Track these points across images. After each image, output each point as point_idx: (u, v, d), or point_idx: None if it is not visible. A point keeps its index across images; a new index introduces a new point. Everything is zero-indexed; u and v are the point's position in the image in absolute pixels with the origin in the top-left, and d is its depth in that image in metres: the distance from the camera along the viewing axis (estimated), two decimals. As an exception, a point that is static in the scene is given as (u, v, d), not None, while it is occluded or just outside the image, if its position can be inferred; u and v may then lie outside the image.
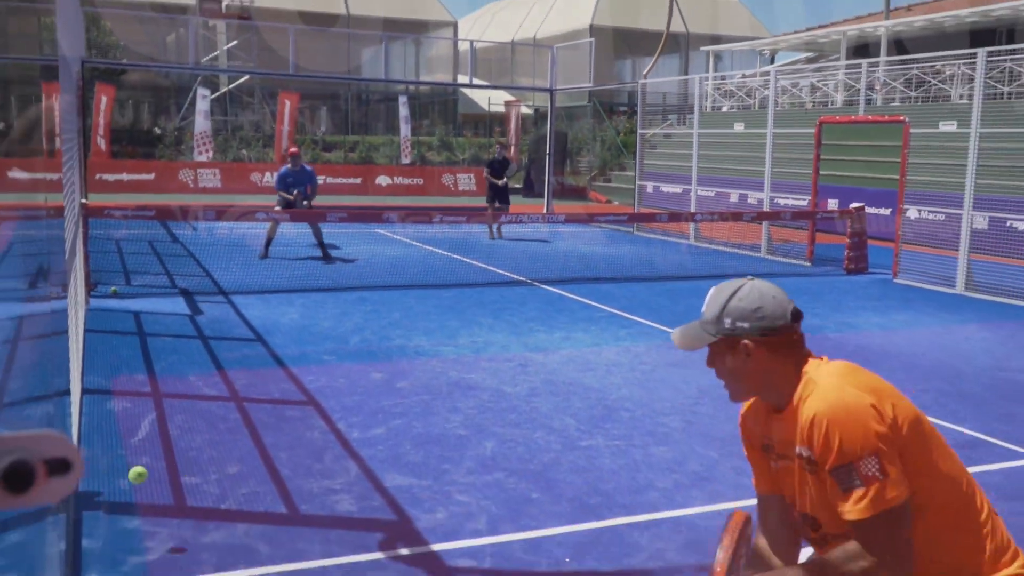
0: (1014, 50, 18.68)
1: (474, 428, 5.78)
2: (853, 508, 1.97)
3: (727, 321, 2.15)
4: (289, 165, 13.16)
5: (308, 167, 13.22)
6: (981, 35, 24.06)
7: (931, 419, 6.14)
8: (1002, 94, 18.75)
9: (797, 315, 2.14)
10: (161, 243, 14.78)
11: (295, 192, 13.01)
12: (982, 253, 12.00)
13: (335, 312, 9.53)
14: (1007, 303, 11.04)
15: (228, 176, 26.29)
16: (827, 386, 2.04)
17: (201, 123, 25.95)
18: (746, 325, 2.14)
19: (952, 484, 2.05)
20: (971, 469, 5.23)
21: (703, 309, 2.23)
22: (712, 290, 2.24)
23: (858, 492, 1.96)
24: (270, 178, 26.24)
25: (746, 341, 2.14)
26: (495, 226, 16.78)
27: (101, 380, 6.58)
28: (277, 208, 12.93)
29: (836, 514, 2.04)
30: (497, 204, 16.47)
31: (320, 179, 26.76)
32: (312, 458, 5.14)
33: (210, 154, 25.81)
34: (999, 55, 18.65)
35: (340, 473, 4.93)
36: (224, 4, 33.19)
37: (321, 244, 13.34)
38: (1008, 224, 12.60)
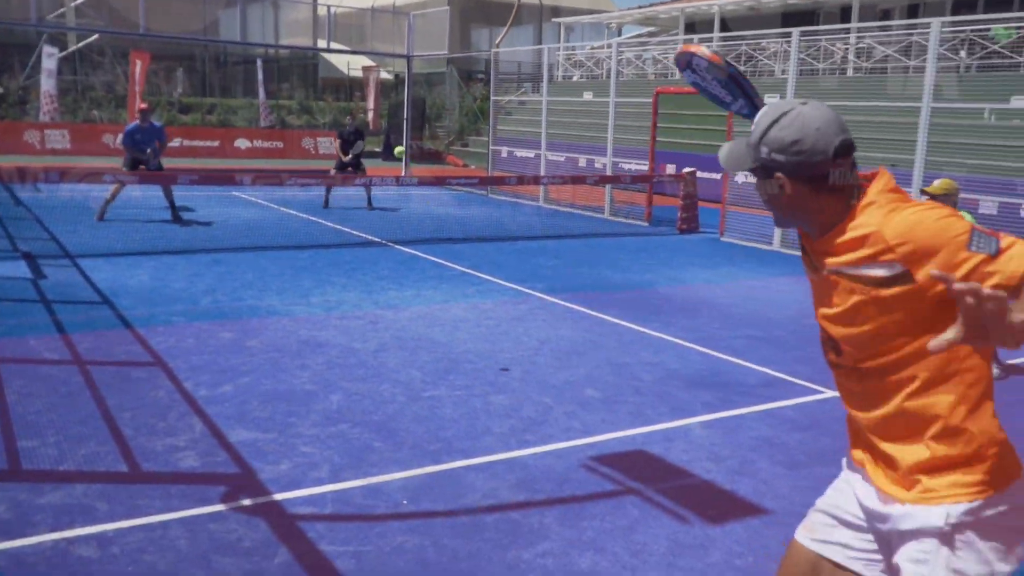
0: (828, 30, 19.68)
1: (322, 383, 5.75)
2: (1011, 262, 1.67)
3: (764, 150, 1.94)
4: (138, 121, 12.68)
5: (157, 123, 12.80)
6: (801, 16, 25.24)
7: (742, 362, 6.58)
8: (816, 71, 19.77)
9: (843, 149, 1.88)
10: (2, 206, 13.82)
11: (148, 151, 12.53)
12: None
13: (187, 274, 9.21)
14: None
15: (78, 137, 24.74)
16: (897, 206, 1.84)
17: (46, 82, 24.20)
18: (781, 158, 1.91)
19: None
20: (769, 405, 5.61)
21: (751, 127, 2.03)
22: (763, 109, 2.01)
23: (1004, 242, 1.71)
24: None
25: (780, 174, 1.92)
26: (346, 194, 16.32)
27: (-67, 345, 6.16)
28: (124, 168, 12.43)
29: (861, 346, 1.89)
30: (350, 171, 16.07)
31: (176, 141, 25.75)
32: (156, 417, 5.00)
33: (54, 115, 24.16)
34: (815, 35, 19.61)
35: (184, 431, 4.82)
36: (70, -41, 30.96)
37: (172, 206, 12.82)
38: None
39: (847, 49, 19.63)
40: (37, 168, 10.08)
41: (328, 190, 15.27)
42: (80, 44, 31.12)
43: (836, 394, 4.40)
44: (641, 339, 7.26)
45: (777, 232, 12.34)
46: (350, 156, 15.07)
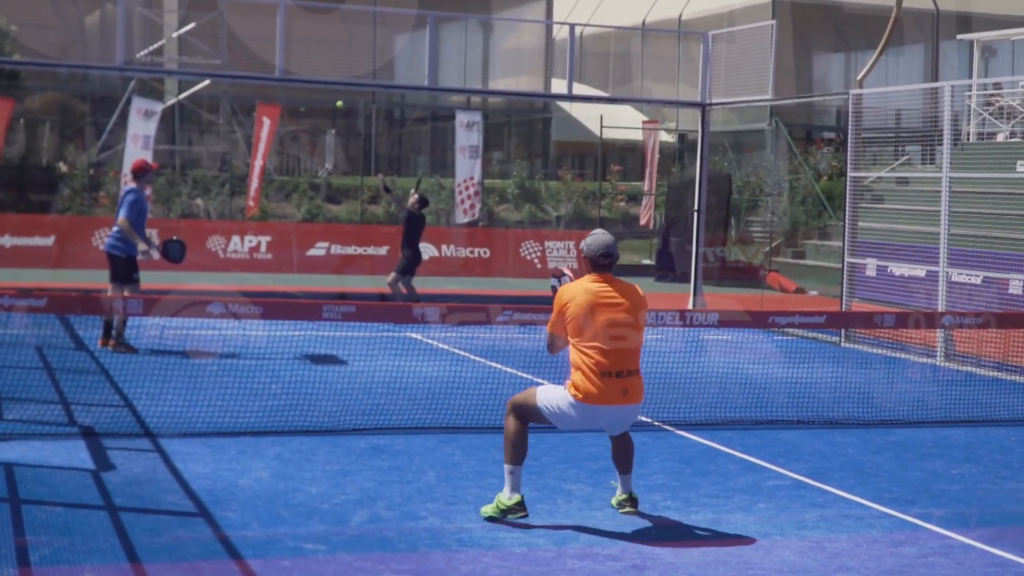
0: None
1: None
2: None
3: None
4: (135, 184, 14.83)
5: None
6: None
7: None
8: None
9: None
10: (56, 351, 15.17)
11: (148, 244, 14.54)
12: None
13: (330, 470, 9.60)
14: None
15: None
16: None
17: (136, 154, 26.61)
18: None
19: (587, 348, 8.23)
20: None
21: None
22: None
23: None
24: (238, 244, 26.82)
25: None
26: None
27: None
28: (117, 281, 14.41)
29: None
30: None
31: (322, 247, 27.51)
32: None
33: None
34: None
35: None
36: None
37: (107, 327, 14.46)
38: None
39: None
40: (115, 293, 11.05)
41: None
42: (182, 95, 34.18)
43: None
44: None
45: None
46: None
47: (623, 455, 8.71)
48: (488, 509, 8.32)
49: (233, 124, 34.44)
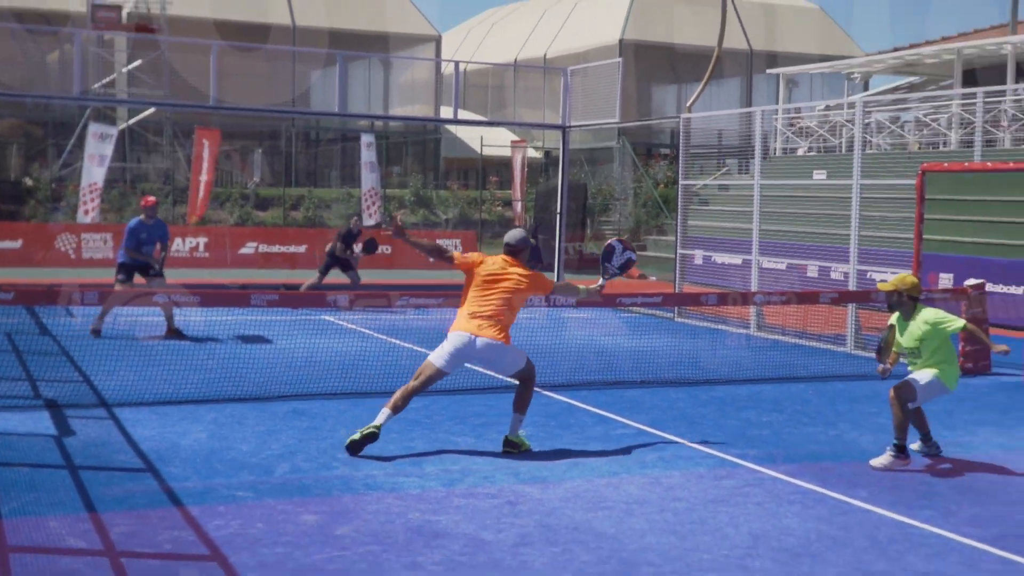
0: None
1: (437, 592, 5.77)
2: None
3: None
4: (142, 217, 14.61)
5: (161, 220, 15.15)
6: None
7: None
8: None
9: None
10: (23, 336, 14.86)
11: (156, 248, 14.53)
12: None
13: (258, 431, 9.55)
14: None
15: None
16: None
17: (93, 171, 26.05)
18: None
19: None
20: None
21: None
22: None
23: None
24: (180, 245, 26.54)
25: None
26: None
27: (-72, 525, 6.58)
28: (119, 276, 14.44)
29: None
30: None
31: (249, 247, 27.28)
32: (210, 634, 5.13)
33: (95, 213, 26.02)
34: None
35: (247, 655, 4.91)
36: (125, 12, 33.95)
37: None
38: None
39: None
40: (73, 286, 10.84)
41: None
42: (131, 120, 33.73)
43: None
44: (906, 535, 6.99)
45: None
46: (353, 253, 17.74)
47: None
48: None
49: (175, 145, 34.23)
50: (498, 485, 7.96)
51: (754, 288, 17.17)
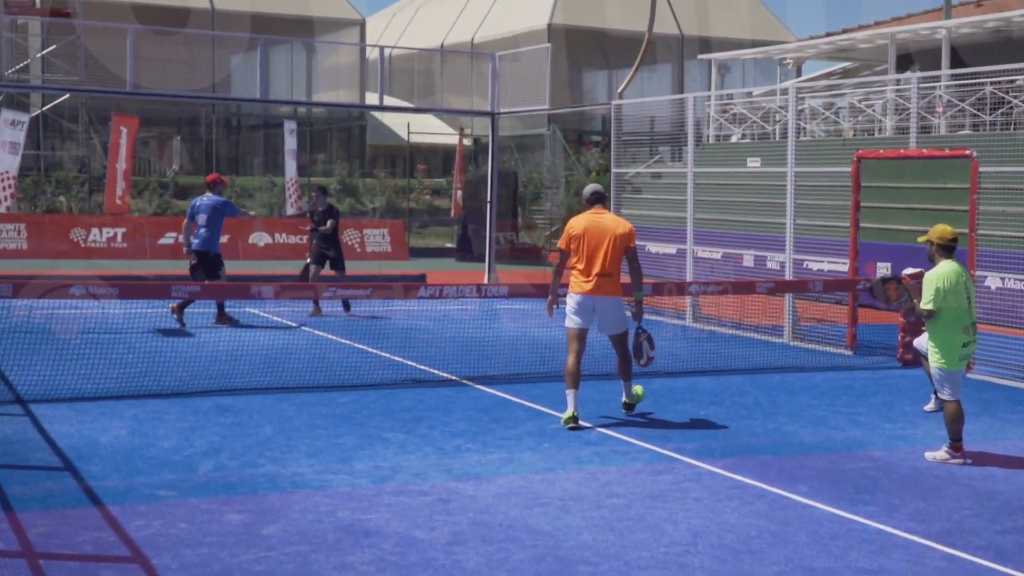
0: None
1: (370, 592, 5.72)
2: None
3: None
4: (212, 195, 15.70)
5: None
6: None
7: (1013, 572, 6.23)
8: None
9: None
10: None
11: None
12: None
13: (180, 427, 9.42)
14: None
15: (38, 234, 26.04)
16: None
17: (5, 160, 25.59)
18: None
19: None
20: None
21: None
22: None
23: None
24: (97, 235, 26.11)
25: None
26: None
27: None
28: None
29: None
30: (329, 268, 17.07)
31: (171, 237, 26.89)
32: (133, 641, 5.04)
33: (9, 202, 25.51)
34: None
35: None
36: (38, -2, 33.29)
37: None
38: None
39: None
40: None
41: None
42: (45, 107, 33.13)
43: None
44: (849, 531, 7.05)
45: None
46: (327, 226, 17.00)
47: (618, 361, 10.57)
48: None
49: (91, 132, 33.70)
50: (430, 482, 7.92)
51: (689, 278, 17.26)
